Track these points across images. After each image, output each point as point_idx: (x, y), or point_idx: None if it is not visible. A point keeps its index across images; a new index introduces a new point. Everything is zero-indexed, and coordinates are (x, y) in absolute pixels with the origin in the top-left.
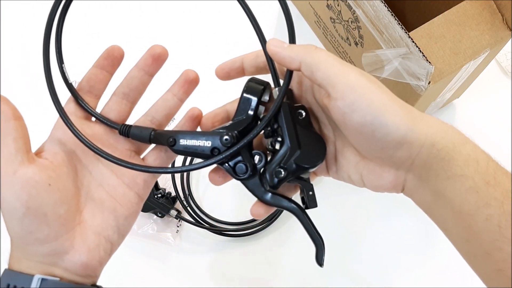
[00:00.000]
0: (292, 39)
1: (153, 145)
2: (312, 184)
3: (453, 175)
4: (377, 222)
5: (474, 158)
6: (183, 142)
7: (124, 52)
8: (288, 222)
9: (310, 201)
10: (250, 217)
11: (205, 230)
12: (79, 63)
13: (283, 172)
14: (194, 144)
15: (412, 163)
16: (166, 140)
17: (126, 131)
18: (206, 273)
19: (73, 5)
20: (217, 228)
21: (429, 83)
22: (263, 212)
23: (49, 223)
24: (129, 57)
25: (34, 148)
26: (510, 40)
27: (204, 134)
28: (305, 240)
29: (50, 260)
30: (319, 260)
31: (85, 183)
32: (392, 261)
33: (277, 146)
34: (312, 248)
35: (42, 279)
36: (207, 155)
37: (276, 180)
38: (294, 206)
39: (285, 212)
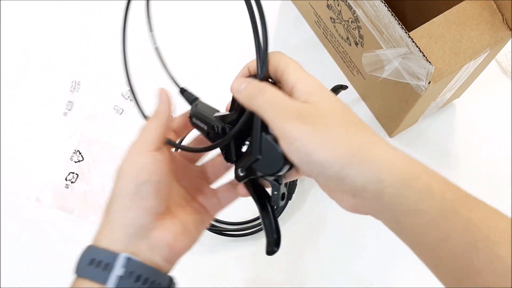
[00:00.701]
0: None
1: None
2: (278, 185)
3: (407, 210)
4: (377, 222)
5: (427, 193)
6: (195, 120)
7: None
8: (288, 222)
9: (273, 200)
10: (250, 217)
11: (205, 230)
12: (81, 64)
13: (243, 172)
14: (199, 125)
15: (363, 196)
16: (189, 115)
17: (183, 92)
18: (206, 273)
19: (73, 6)
20: (217, 228)
21: (429, 83)
22: (245, 193)
23: (158, 198)
24: (131, 56)
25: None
26: (510, 40)
27: (205, 119)
28: (305, 240)
29: (141, 233)
30: (267, 250)
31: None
32: (392, 261)
33: (244, 148)
34: (312, 248)
35: (128, 258)
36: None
37: (238, 177)
38: (256, 197)
39: (285, 212)
